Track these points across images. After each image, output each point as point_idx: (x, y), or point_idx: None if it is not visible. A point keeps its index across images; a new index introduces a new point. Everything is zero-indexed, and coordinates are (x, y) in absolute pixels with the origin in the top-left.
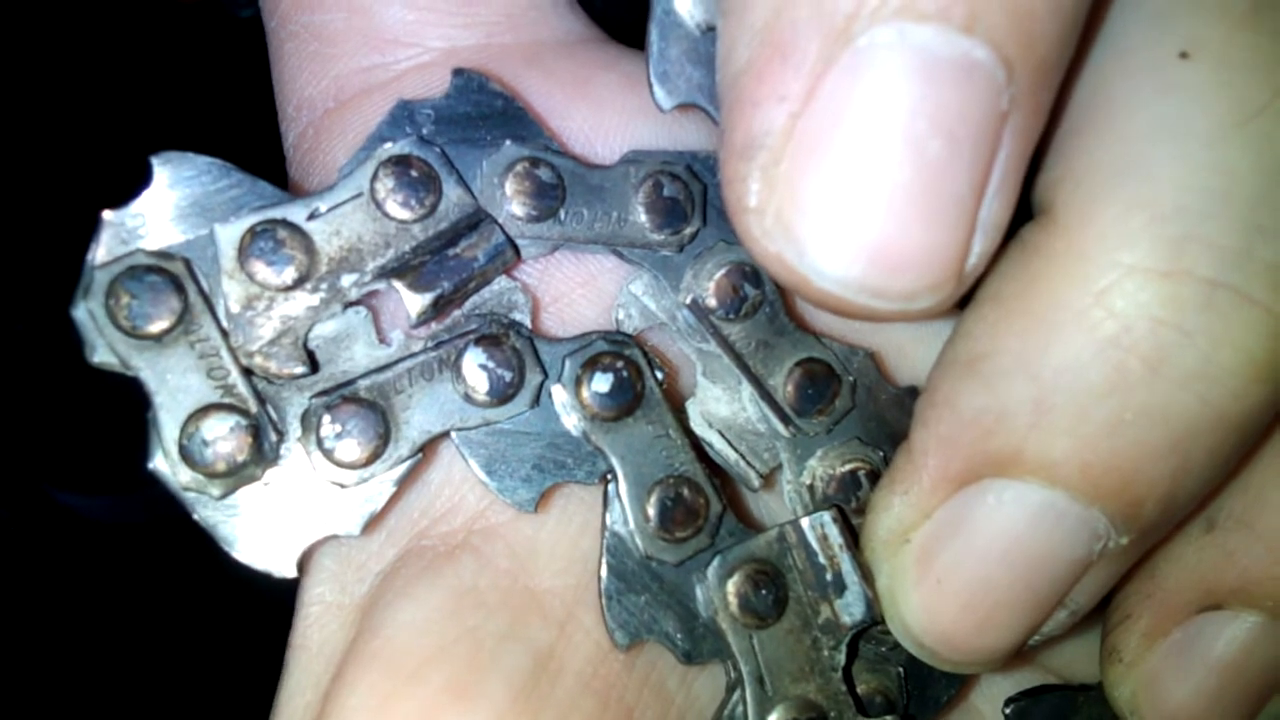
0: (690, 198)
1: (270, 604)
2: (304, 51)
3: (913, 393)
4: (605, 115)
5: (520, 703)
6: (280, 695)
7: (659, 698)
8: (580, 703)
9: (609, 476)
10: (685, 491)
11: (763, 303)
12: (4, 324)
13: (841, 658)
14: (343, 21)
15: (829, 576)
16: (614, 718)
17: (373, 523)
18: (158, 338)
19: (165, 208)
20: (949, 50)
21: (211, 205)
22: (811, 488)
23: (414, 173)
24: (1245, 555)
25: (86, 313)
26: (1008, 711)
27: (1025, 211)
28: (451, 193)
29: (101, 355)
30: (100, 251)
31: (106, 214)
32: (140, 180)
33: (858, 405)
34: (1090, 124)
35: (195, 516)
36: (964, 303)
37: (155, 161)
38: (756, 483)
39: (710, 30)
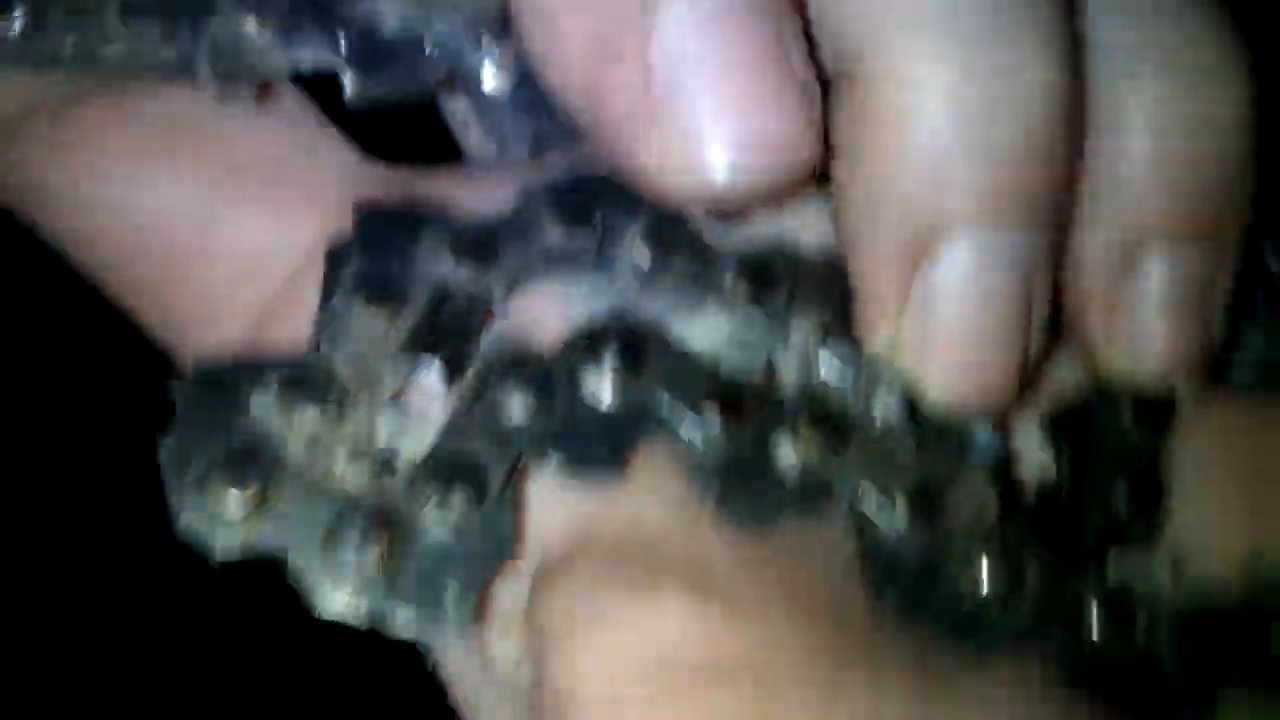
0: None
1: None
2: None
3: (825, 256)
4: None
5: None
6: None
7: None
8: None
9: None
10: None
11: (683, 238)
12: None
13: (911, 439)
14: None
15: (864, 384)
16: None
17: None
18: (260, 506)
19: (201, 413)
20: None
21: (234, 393)
22: (808, 350)
23: (375, 281)
24: (1139, 204)
25: (191, 519)
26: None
27: None
28: (413, 283)
29: (225, 549)
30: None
31: (161, 444)
32: None
33: (796, 280)
34: None
35: (398, 626)
36: None
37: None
38: None
39: None
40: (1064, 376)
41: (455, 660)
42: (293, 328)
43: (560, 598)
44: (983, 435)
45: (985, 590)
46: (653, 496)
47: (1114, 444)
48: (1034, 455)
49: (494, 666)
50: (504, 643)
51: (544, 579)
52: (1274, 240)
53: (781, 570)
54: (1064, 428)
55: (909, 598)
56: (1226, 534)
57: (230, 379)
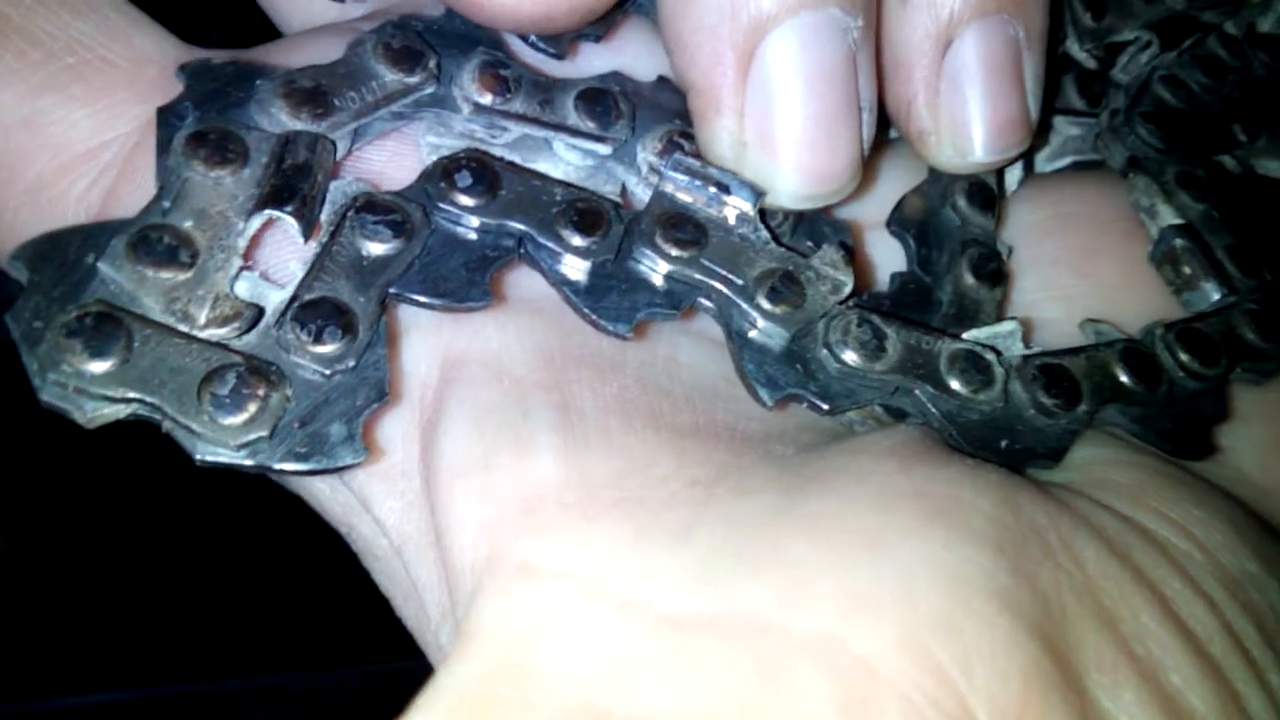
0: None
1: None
2: (39, 205)
3: (662, 80)
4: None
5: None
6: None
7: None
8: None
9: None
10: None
11: (520, 76)
12: None
13: (765, 233)
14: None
15: (712, 189)
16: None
17: (393, 387)
18: (123, 361)
19: (48, 283)
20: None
21: (80, 260)
22: (654, 170)
23: (213, 137)
24: None
25: (52, 385)
26: (892, 229)
27: None
28: (251, 136)
29: (92, 408)
30: (20, 337)
31: (7, 315)
32: None
33: (635, 106)
34: None
35: (281, 466)
36: None
37: (12, 259)
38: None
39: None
40: (901, 176)
41: (342, 508)
42: (135, 203)
43: (442, 453)
44: (835, 230)
45: (852, 357)
46: (516, 334)
47: (954, 230)
48: (883, 251)
49: (384, 514)
50: (392, 489)
51: (425, 436)
52: (1080, 32)
53: (649, 399)
54: (907, 221)
55: (777, 379)
56: (1064, 303)
57: (73, 249)
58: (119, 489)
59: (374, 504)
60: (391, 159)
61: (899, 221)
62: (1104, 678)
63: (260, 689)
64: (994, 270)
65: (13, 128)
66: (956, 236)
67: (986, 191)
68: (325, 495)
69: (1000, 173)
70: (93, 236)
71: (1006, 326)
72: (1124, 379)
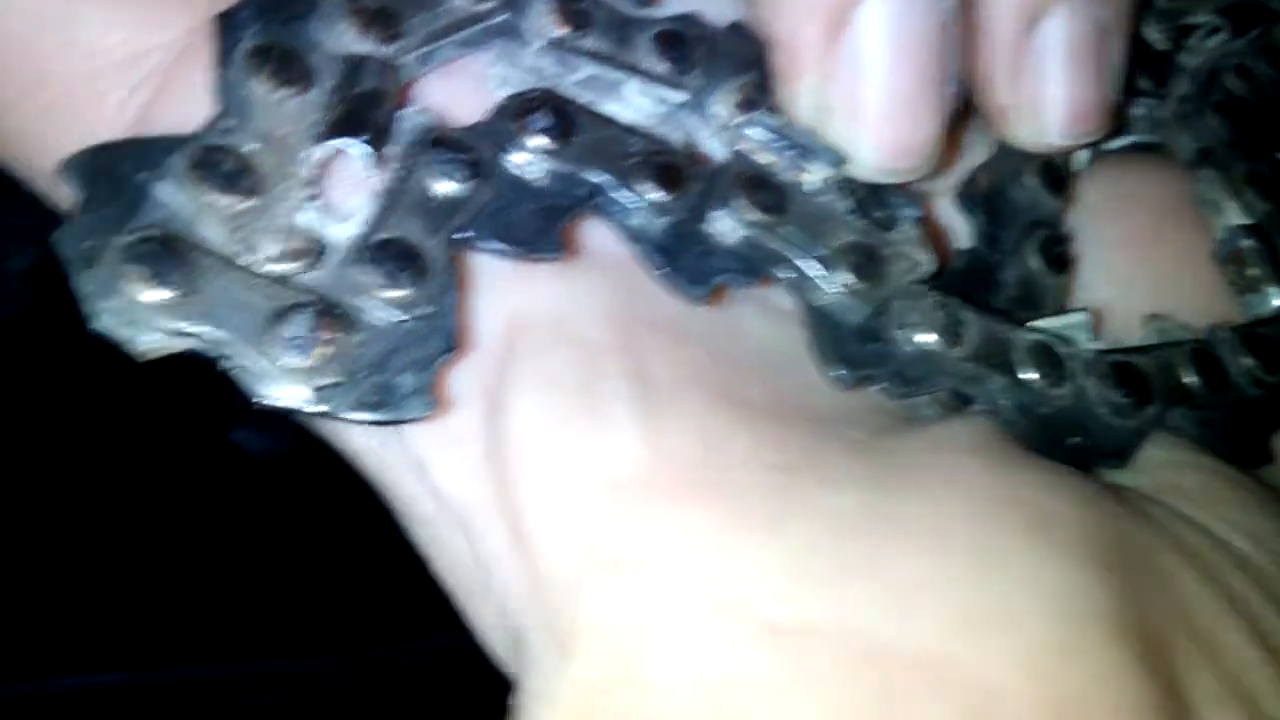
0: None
1: None
2: (66, 117)
3: (736, 25)
4: None
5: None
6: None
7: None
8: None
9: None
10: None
11: (596, 10)
12: None
13: (846, 203)
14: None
15: (794, 152)
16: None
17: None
18: (186, 292)
19: (100, 201)
20: None
21: (134, 178)
22: (728, 125)
23: (277, 54)
24: None
25: (109, 311)
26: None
27: None
28: (317, 54)
29: (148, 341)
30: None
31: (55, 235)
32: None
33: (710, 52)
34: None
35: (351, 415)
36: None
37: (61, 171)
38: None
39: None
40: (974, 151)
41: (383, 463)
42: (176, 122)
43: (511, 420)
44: (906, 203)
45: (930, 340)
46: (583, 291)
47: (1023, 209)
48: (951, 224)
49: (442, 477)
50: (451, 451)
51: (490, 398)
52: (1153, 11)
53: (720, 371)
54: (977, 196)
55: (854, 358)
56: (1120, 287)
57: (125, 164)
58: (120, 470)
59: (430, 465)
60: (457, 90)
61: (969, 196)
62: (1213, 714)
63: (266, 673)
64: (1061, 255)
65: (41, 25)
66: (1025, 216)
67: (1058, 172)
68: (365, 447)
69: (1070, 152)
70: (146, 151)
71: (1077, 317)
72: (1192, 381)
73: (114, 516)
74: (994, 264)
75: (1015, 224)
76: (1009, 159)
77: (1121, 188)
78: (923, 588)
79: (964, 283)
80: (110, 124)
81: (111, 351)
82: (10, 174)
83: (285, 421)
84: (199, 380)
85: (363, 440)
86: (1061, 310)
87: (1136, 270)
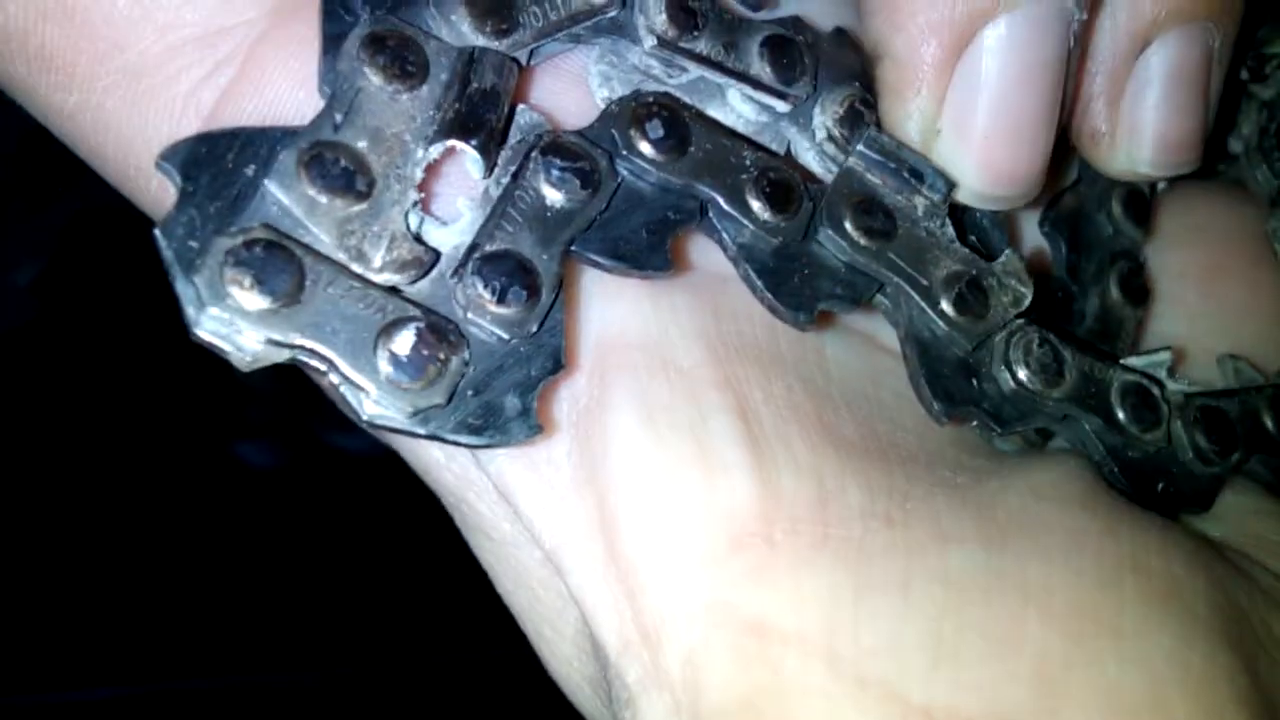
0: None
1: None
2: (136, 92)
3: (840, 31)
4: None
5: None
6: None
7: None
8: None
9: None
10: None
11: (708, 11)
12: None
13: (951, 229)
14: (159, 43)
15: (905, 174)
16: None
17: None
18: (293, 300)
19: (203, 195)
20: None
21: (239, 171)
22: (831, 138)
23: (391, 43)
24: None
25: (212, 319)
26: (1044, 229)
27: None
28: (431, 46)
29: (252, 352)
30: (172, 257)
31: (157, 230)
32: None
33: (818, 60)
34: None
35: (454, 438)
36: None
37: (161, 162)
38: None
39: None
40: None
41: (456, 479)
42: (257, 111)
43: (611, 454)
44: (985, 219)
45: (1031, 379)
46: (672, 313)
47: (1105, 238)
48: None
49: (524, 501)
50: (536, 475)
51: (583, 424)
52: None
53: (814, 404)
54: (1061, 223)
55: (953, 393)
56: (1188, 320)
57: (230, 156)
58: (123, 482)
59: (512, 488)
60: (559, 87)
61: (1052, 222)
62: None
63: (265, 686)
64: (1140, 287)
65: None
66: (1107, 246)
67: (1142, 201)
68: (439, 462)
69: (1154, 184)
70: (252, 144)
71: (1162, 356)
72: (1273, 428)
73: (115, 528)
74: (1073, 293)
75: (1097, 253)
76: (1095, 185)
77: (1193, 218)
78: (1070, 668)
79: (1045, 311)
80: (188, 104)
81: (115, 364)
82: (16, 186)
83: (288, 435)
84: (203, 392)
85: (438, 455)
86: (1137, 345)
87: (1205, 304)
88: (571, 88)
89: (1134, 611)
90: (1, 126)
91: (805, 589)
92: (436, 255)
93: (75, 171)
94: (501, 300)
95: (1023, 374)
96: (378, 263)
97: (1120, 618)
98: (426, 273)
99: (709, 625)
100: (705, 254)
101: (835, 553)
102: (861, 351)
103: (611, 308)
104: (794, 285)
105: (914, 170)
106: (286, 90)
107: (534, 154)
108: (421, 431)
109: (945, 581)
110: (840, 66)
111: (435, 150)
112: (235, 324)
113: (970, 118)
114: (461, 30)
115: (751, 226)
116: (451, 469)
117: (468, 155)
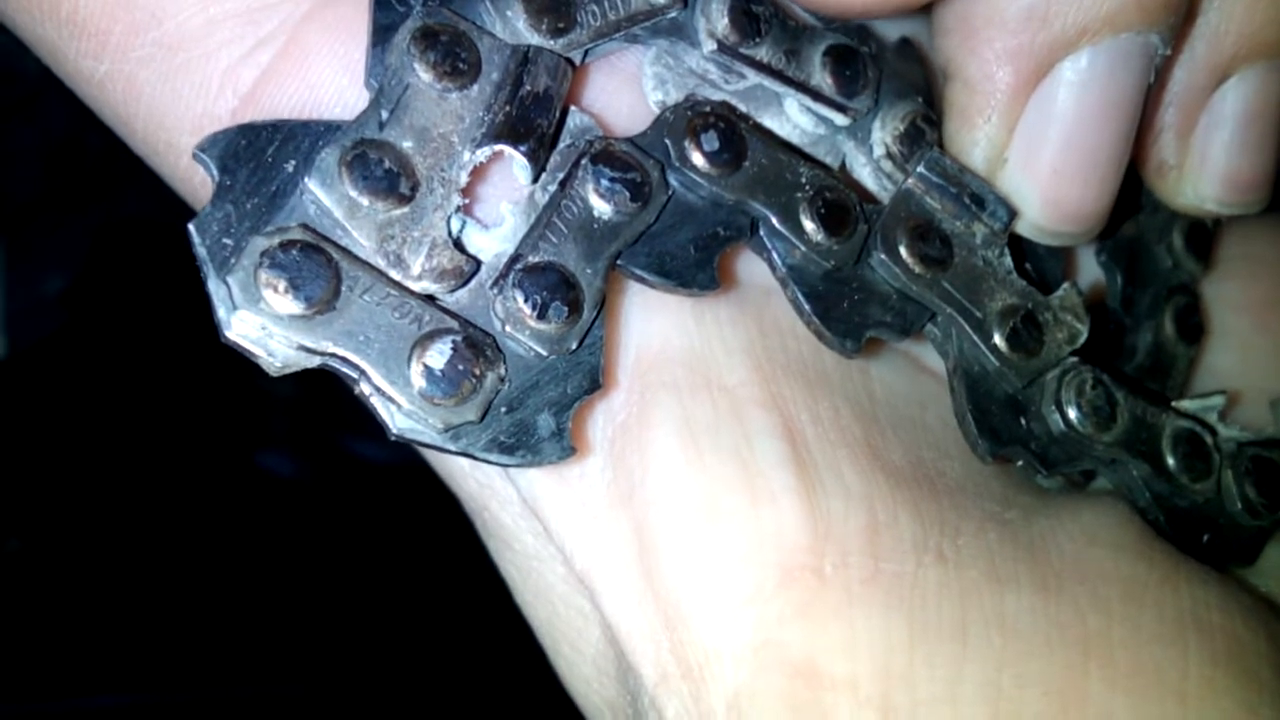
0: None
1: None
2: (171, 66)
3: (905, 43)
4: None
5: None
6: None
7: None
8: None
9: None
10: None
11: (771, 16)
12: None
13: (1009, 259)
14: (198, 16)
15: (966, 200)
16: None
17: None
18: (328, 306)
19: (241, 190)
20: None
21: (279, 167)
22: (890, 155)
23: (444, 39)
24: (1229, 25)
25: (244, 321)
26: (1102, 259)
27: None
28: (485, 43)
29: (284, 357)
30: (206, 255)
31: (191, 225)
32: None
33: (881, 73)
34: None
35: (485, 457)
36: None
37: (199, 153)
38: None
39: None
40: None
41: (479, 486)
42: (298, 95)
43: (651, 475)
44: (1056, 261)
45: (1081, 422)
46: (716, 329)
47: (1163, 272)
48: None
49: (555, 519)
50: (568, 492)
51: (619, 442)
52: None
53: (861, 427)
54: (1120, 253)
55: (1000, 432)
56: (1239, 353)
57: (270, 150)
58: (147, 490)
59: (542, 502)
60: (612, 86)
61: (1111, 252)
62: None
63: (276, 697)
64: (1195, 325)
65: None
66: (1165, 280)
67: (1204, 235)
68: (461, 470)
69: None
70: (294, 138)
71: (1215, 400)
72: None
73: (139, 536)
74: (1125, 327)
75: (1153, 286)
76: (1156, 216)
77: (1250, 248)
78: None
79: (1096, 344)
80: (226, 82)
81: (141, 373)
82: (45, 200)
83: (310, 444)
84: (227, 402)
85: (463, 461)
86: (1189, 382)
87: (1260, 337)
88: (625, 88)
89: (1198, 673)
90: (30, 141)
91: (858, 630)
92: (477, 265)
93: (103, 185)
94: (542, 316)
95: (1074, 415)
96: (416, 270)
97: (1185, 680)
98: (465, 282)
99: (756, 667)
100: (748, 265)
101: (888, 590)
102: (907, 373)
103: (652, 320)
104: (843, 311)
105: (975, 196)
106: (329, 75)
107: (584, 161)
108: (452, 448)
109: (1002, 628)
110: (904, 80)
111: (482, 154)
112: (267, 328)
113: (1040, 150)
114: (517, 27)
115: (803, 248)
116: (475, 476)
117: (515, 160)
